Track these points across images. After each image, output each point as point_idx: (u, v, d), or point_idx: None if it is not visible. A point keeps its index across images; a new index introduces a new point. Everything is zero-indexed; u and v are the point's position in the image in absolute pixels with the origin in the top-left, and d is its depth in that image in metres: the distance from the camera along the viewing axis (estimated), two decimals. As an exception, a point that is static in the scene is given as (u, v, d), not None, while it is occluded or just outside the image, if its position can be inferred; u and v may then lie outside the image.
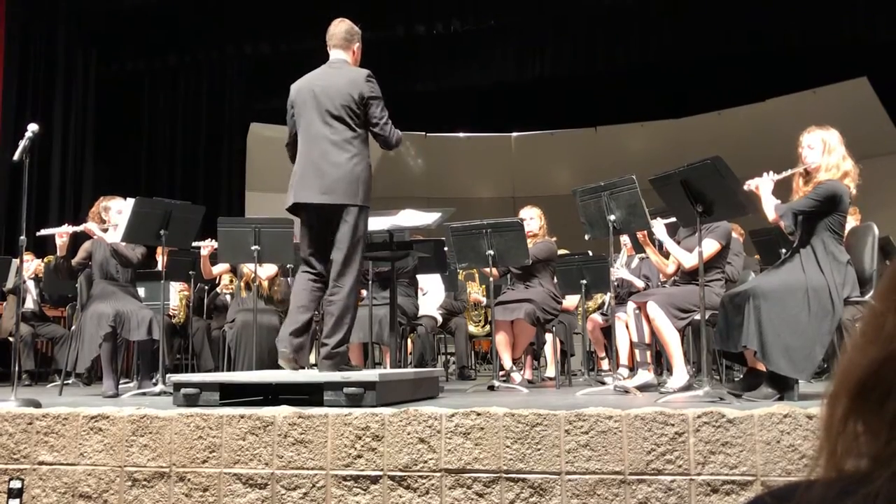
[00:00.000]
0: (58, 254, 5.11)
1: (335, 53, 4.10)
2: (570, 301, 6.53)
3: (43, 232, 5.29)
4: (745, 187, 3.84)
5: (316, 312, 4.18)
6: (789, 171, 3.85)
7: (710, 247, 4.47)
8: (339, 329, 3.85)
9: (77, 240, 5.30)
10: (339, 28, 4.12)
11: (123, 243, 5.00)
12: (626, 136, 12.06)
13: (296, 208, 3.98)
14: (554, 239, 5.78)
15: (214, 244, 5.68)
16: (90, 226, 5.10)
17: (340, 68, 4.03)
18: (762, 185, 3.81)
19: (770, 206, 3.79)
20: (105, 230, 5.06)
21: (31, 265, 7.11)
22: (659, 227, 4.65)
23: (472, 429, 2.85)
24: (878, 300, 0.58)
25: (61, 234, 5.06)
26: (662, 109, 11.50)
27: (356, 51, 4.14)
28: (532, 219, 5.71)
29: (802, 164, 3.79)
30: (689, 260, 4.49)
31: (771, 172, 3.85)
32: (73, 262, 5.15)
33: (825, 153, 3.73)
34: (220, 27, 10.43)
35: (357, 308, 4.03)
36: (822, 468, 0.56)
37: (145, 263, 5.34)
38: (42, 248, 7.70)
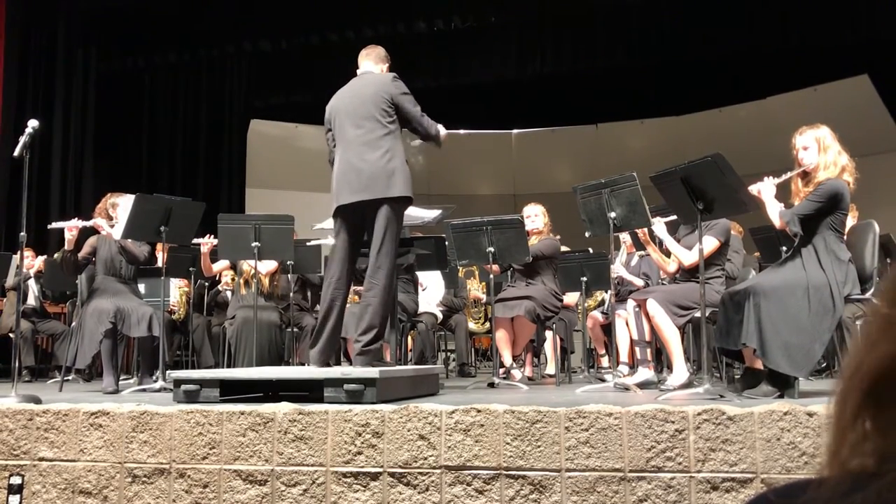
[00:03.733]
0: (66, 248, 5.10)
1: (365, 65, 4.34)
2: (570, 298, 6.53)
3: (53, 225, 5.28)
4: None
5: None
6: (789, 174, 3.85)
7: (709, 244, 4.46)
8: (374, 325, 3.97)
9: (81, 235, 5.29)
10: (374, 49, 4.39)
11: (131, 240, 5.01)
12: (626, 134, 12.05)
13: (337, 212, 4.13)
14: (558, 237, 5.78)
15: (214, 241, 5.68)
16: (100, 221, 5.10)
17: (369, 76, 4.25)
18: (764, 191, 3.81)
19: (775, 213, 3.79)
20: (113, 226, 5.07)
21: (36, 262, 7.10)
22: (659, 225, 4.65)
23: (472, 426, 2.85)
24: (886, 303, 0.57)
25: (71, 227, 5.05)
26: (663, 107, 11.48)
27: (385, 70, 4.37)
28: (536, 216, 5.71)
29: (800, 165, 3.79)
30: (689, 257, 4.49)
31: (771, 177, 3.85)
32: (79, 256, 5.14)
33: (821, 152, 3.73)
34: (221, 24, 10.42)
35: (392, 303, 4.13)
36: (827, 466, 0.55)
37: (149, 261, 5.35)
38: (43, 244, 7.71)
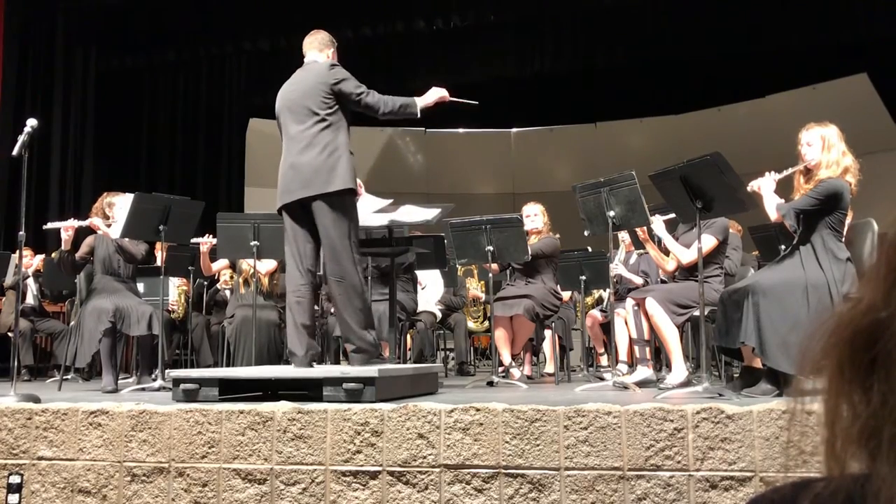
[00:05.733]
0: (62, 248, 5.09)
1: (310, 55, 4.18)
2: (565, 293, 6.53)
3: (49, 226, 5.27)
4: (749, 188, 3.84)
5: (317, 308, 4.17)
6: (790, 170, 3.85)
7: (708, 242, 4.47)
8: (355, 320, 3.87)
9: (79, 234, 5.29)
10: (317, 35, 4.22)
11: (128, 239, 5.00)
12: (625, 133, 12.06)
13: (282, 212, 4.02)
14: (557, 236, 5.79)
15: (213, 240, 5.68)
16: (96, 221, 5.10)
17: (310, 68, 4.09)
18: (764, 185, 3.81)
19: (772, 206, 3.79)
20: (109, 225, 5.08)
21: (35, 261, 7.10)
22: (658, 223, 4.65)
23: (471, 424, 2.85)
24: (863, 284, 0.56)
25: (67, 228, 5.04)
26: (662, 105, 11.48)
27: (330, 56, 4.18)
28: (536, 215, 5.70)
29: (802, 161, 3.79)
30: (688, 256, 4.50)
31: (773, 172, 3.85)
32: (77, 256, 5.14)
33: (825, 150, 3.73)
34: (220, 23, 10.41)
35: (364, 293, 4.01)
36: (825, 466, 0.54)
37: (147, 259, 5.34)
38: (42, 243, 7.70)
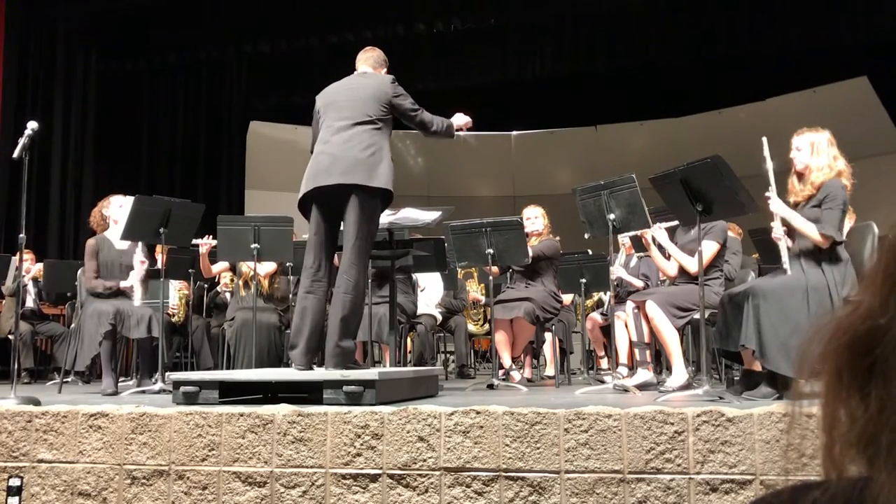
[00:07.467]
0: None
1: (362, 67, 4.33)
2: (567, 296, 6.53)
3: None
4: (775, 236, 3.79)
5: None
6: (770, 173, 3.84)
7: (710, 248, 4.47)
8: (345, 325, 3.85)
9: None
10: (372, 52, 4.39)
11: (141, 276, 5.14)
12: (626, 135, 12.06)
13: (306, 202, 3.99)
14: (557, 238, 5.79)
15: (213, 241, 5.68)
16: (137, 273, 5.16)
17: (368, 76, 4.24)
18: (785, 214, 3.75)
19: (812, 230, 3.67)
20: (107, 227, 5.13)
21: (33, 268, 7.09)
22: (660, 232, 4.65)
23: (471, 427, 2.85)
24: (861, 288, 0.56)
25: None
26: (663, 108, 11.48)
27: (383, 73, 4.35)
28: (536, 217, 5.71)
29: (793, 165, 3.83)
30: (693, 265, 4.48)
31: (769, 189, 3.82)
32: (96, 272, 5.22)
33: (813, 154, 3.75)
34: (220, 26, 10.43)
35: (363, 304, 4.02)
36: (824, 471, 0.54)
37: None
38: (42, 246, 7.71)
